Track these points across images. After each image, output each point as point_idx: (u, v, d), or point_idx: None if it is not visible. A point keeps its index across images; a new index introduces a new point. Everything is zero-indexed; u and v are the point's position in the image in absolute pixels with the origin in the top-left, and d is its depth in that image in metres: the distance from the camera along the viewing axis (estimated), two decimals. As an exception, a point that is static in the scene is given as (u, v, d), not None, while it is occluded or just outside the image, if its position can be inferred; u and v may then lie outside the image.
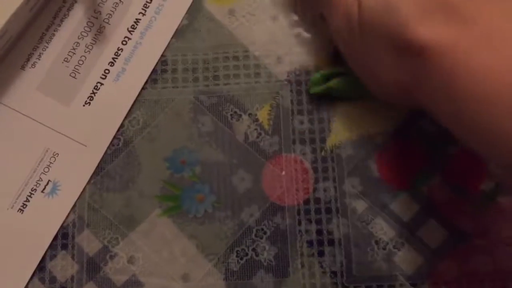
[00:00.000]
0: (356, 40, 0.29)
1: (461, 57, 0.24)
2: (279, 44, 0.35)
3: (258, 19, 0.35)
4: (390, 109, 0.34)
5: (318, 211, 0.33)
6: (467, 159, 0.33)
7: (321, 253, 0.32)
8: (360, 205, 0.33)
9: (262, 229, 0.32)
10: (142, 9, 0.35)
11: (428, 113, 0.28)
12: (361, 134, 0.34)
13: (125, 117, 0.34)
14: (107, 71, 0.35)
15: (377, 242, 0.32)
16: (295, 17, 0.35)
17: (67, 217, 0.33)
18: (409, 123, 0.34)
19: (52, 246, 0.32)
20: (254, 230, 0.32)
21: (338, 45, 0.31)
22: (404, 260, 0.32)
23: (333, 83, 0.33)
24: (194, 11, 0.35)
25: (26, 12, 0.33)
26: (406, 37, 0.25)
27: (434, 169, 0.33)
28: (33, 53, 0.35)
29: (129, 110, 0.34)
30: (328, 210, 0.33)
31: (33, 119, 0.34)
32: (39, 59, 0.35)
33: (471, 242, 0.32)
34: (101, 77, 0.34)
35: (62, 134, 0.34)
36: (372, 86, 0.31)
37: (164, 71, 0.35)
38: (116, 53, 0.35)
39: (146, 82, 0.34)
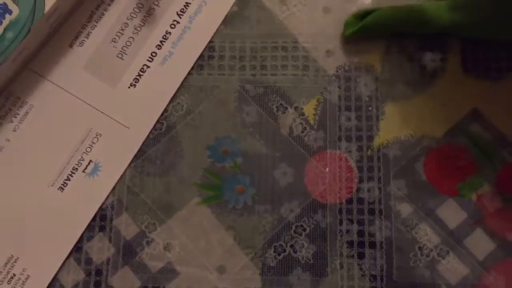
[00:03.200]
0: None
1: None
2: (330, 37, 0.31)
3: (310, 9, 0.32)
4: (442, 111, 0.30)
5: (360, 212, 0.29)
6: (521, 169, 0.29)
7: (361, 255, 0.29)
8: (405, 209, 0.29)
9: (302, 226, 0.29)
10: (193, -7, 0.32)
11: None
12: (410, 135, 0.30)
13: (169, 102, 0.31)
14: (154, 54, 0.31)
15: (420, 248, 0.28)
16: (351, 9, 0.31)
17: (106, 199, 0.30)
18: (461, 127, 0.30)
19: (89, 227, 0.29)
20: (294, 226, 0.29)
21: None
22: (448, 269, 0.28)
23: (368, 19, 0.29)
24: (245, -2, 0.32)
25: (77, -11, 0.30)
26: None
27: (485, 177, 0.29)
28: (81, 32, 0.32)
29: (174, 95, 0.31)
30: (371, 211, 0.29)
31: (78, 98, 0.31)
32: (87, 38, 0.31)
33: (521, 256, 0.28)
34: (148, 60, 0.31)
35: (106, 114, 0.31)
36: None
37: (211, 57, 0.31)
38: (164, 36, 0.31)
39: (192, 68, 0.31)
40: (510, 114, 0.29)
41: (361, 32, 0.29)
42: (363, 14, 0.29)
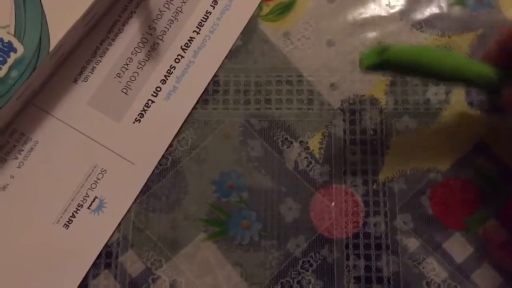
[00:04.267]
0: None
1: None
2: (334, 71, 0.31)
3: (314, 43, 0.31)
4: (447, 144, 0.30)
5: (367, 247, 0.29)
6: (528, 203, 0.29)
7: (368, 291, 0.28)
8: (412, 243, 0.29)
9: (309, 261, 0.29)
10: (197, 27, 0.32)
11: None
12: (416, 169, 0.30)
13: (174, 137, 0.30)
14: (158, 89, 0.31)
15: (428, 284, 0.28)
16: (354, 42, 0.31)
17: (111, 235, 0.29)
18: (467, 161, 0.29)
19: (95, 264, 0.29)
20: (300, 262, 0.29)
21: None
22: (457, 305, 0.28)
23: (389, 53, 0.24)
24: (249, 32, 0.32)
25: (82, 26, 0.30)
26: None
27: (491, 211, 0.29)
28: (86, 67, 0.31)
29: (179, 130, 0.30)
30: (378, 246, 0.29)
31: (83, 134, 0.31)
32: (91, 73, 0.31)
33: (529, 291, 0.28)
34: (152, 95, 0.31)
35: (111, 150, 0.30)
36: None
37: (215, 91, 0.31)
38: (169, 71, 0.31)
39: (197, 102, 0.31)
40: (515, 147, 0.29)
41: (381, 67, 0.25)
42: (383, 49, 0.25)
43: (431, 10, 0.31)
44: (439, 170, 0.29)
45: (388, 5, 0.31)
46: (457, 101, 0.30)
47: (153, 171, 0.30)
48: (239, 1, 0.32)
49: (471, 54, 0.30)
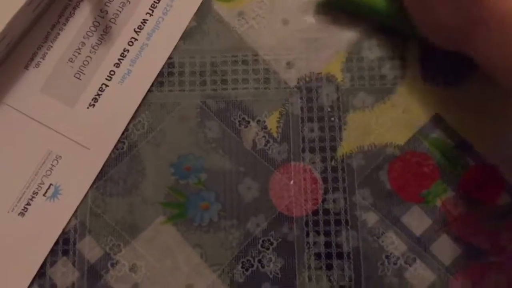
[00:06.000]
0: None
1: None
2: (289, 49, 0.31)
3: (269, 22, 0.31)
4: (403, 119, 0.30)
5: (327, 223, 0.29)
6: (483, 172, 0.29)
7: (329, 267, 0.28)
8: (371, 218, 0.29)
9: (269, 240, 0.28)
10: (150, 9, 0.31)
11: (477, 60, 0.24)
12: (373, 144, 0.29)
13: (130, 121, 0.30)
14: (112, 73, 0.30)
15: (387, 257, 0.28)
16: (309, 20, 0.31)
17: (68, 222, 0.29)
18: (423, 134, 0.29)
19: (52, 251, 0.28)
20: (260, 241, 0.28)
21: None
22: (416, 276, 0.28)
23: None
24: (203, 12, 0.31)
25: (29, 13, 0.29)
26: None
27: (448, 183, 0.29)
28: (37, 53, 0.30)
29: (134, 113, 0.30)
30: (338, 222, 0.29)
31: (36, 120, 0.30)
32: (43, 59, 0.30)
33: (486, 259, 0.28)
34: (106, 79, 0.30)
35: (65, 136, 0.30)
36: (429, 28, 0.27)
37: (171, 73, 0.30)
38: (122, 54, 0.31)
39: (152, 85, 0.30)
40: (469, 119, 0.29)
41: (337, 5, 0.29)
42: None
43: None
44: (396, 145, 0.29)
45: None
46: (411, 76, 0.30)
47: (110, 155, 0.29)
48: (193, -19, 0.31)
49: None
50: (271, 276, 0.28)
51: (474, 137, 0.29)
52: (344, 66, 0.30)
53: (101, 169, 0.29)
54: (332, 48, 0.30)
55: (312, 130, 0.29)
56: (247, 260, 0.28)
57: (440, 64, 0.30)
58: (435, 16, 0.25)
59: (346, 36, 0.30)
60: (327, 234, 0.28)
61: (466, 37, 0.24)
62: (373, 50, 0.30)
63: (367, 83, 0.30)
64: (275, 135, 0.29)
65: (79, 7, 0.31)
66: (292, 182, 0.29)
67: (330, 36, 0.30)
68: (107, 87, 0.30)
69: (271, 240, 0.28)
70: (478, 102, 0.29)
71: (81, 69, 0.30)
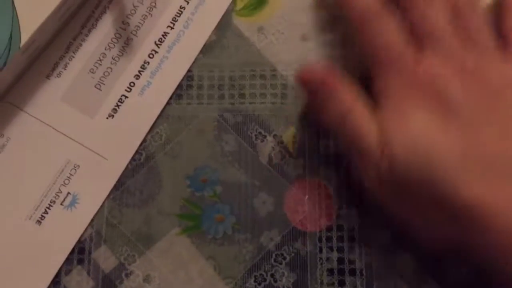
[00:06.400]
0: (388, 194, 0.24)
1: None
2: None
3: (287, 37, 0.31)
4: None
5: (340, 239, 0.29)
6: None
7: (341, 283, 0.28)
8: (384, 235, 0.29)
9: (282, 255, 0.29)
10: (171, 22, 0.32)
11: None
12: (388, 162, 0.29)
13: (148, 132, 0.30)
14: (132, 84, 0.31)
15: (401, 276, 0.28)
16: (328, 37, 0.31)
17: (84, 231, 0.29)
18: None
19: (68, 260, 0.29)
20: (274, 255, 0.29)
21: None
22: (428, 296, 0.28)
23: None
24: (223, 26, 0.32)
25: (55, 21, 0.30)
26: (454, 196, 0.21)
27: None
28: (59, 63, 0.31)
29: (153, 125, 0.30)
30: (351, 239, 0.29)
31: (56, 130, 0.30)
32: (65, 69, 0.31)
33: None
34: (126, 90, 0.31)
35: (84, 146, 0.30)
36: (415, 235, 0.25)
37: (189, 86, 0.31)
38: (142, 66, 0.31)
39: (171, 97, 0.31)
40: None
41: None
42: None
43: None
44: (411, 163, 0.29)
45: None
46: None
47: (127, 166, 0.29)
48: (213, -4, 0.32)
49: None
50: (283, 291, 0.28)
51: None
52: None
53: (118, 180, 0.29)
54: (351, 66, 0.30)
55: (328, 147, 0.29)
56: (260, 274, 0.28)
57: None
58: (416, 227, 0.24)
59: (364, 53, 0.30)
60: (340, 250, 0.28)
61: (457, 247, 0.23)
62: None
63: (384, 101, 0.30)
64: (291, 150, 0.29)
65: (101, 19, 0.31)
66: (307, 197, 0.29)
67: (348, 52, 0.31)
68: (126, 98, 0.30)
69: (284, 254, 0.28)
70: None
71: (102, 80, 0.30)
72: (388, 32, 0.24)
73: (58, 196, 0.29)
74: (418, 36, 0.24)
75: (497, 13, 0.26)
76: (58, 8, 0.29)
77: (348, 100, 0.25)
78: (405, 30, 0.25)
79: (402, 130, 0.23)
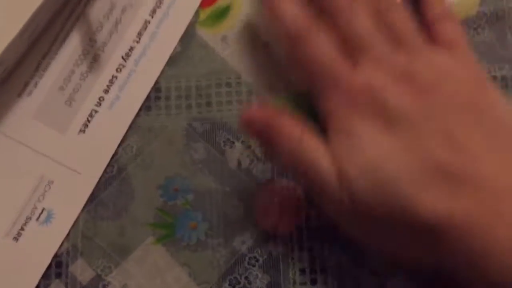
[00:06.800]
0: (353, 225, 0.24)
1: (478, 231, 0.19)
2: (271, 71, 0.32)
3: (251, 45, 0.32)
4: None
5: (310, 239, 0.29)
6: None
7: (313, 281, 0.29)
8: (353, 233, 0.29)
9: (255, 257, 0.29)
10: (137, 36, 0.32)
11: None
12: (354, 160, 0.30)
13: (119, 144, 0.31)
14: (101, 99, 0.32)
15: (372, 272, 0.29)
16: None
17: (61, 245, 0.29)
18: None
19: (46, 275, 0.29)
20: (247, 258, 0.29)
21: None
22: (398, 289, 0.28)
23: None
24: (187, 38, 0.32)
25: (23, 42, 0.31)
26: (414, 215, 0.20)
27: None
28: (29, 81, 0.32)
29: (123, 137, 0.31)
30: (321, 238, 0.29)
31: (29, 147, 0.31)
32: (35, 87, 0.32)
33: None
34: (95, 105, 0.31)
35: (57, 161, 0.31)
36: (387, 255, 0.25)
37: (157, 98, 0.32)
38: (111, 81, 0.32)
39: (140, 109, 0.31)
40: None
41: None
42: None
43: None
44: (376, 161, 0.30)
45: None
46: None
47: (100, 179, 0.30)
48: (177, 8, 0.32)
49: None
50: (258, 293, 0.28)
51: None
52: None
53: (92, 193, 0.30)
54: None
55: (294, 149, 0.30)
56: (234, 277, 0.29)
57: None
58: (386, 251, 0.24)
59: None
60: (310, 249, 0.29)
61: (432, 264, 0.22)
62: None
63: (347, 102, 0.31)
64: (259, 154, 0.30)
65: (69, 37, 0.32)
66: (276, 199, 0.29)
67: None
68: (96, 113, 0.31)
69: (257, 257, 0.29)
70: None
71: (72, 96, 0.31)
72: (320, 47, 0.24)
73: (34, 212, 0.30)
74: (349, 46, 0.24)
75: (417, 8, 0.26)
76: (24, 29, 0.29)
77: (295, 134, 0.23)
78: (336, 41, 0.24)
79: (354, 155, 0.22)
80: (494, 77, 0.30)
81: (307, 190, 0.26)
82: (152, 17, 0.32)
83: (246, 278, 0.29)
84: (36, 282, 0.29)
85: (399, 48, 0.24)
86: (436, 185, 0.20)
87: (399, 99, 0.22)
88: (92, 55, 0.32)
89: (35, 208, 0.30)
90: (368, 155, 0.22)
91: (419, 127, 0.22)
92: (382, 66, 0.23)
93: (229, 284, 0.28)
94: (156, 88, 0.31)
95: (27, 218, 0.30)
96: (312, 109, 0.26)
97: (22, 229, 0.29)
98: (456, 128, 0.21)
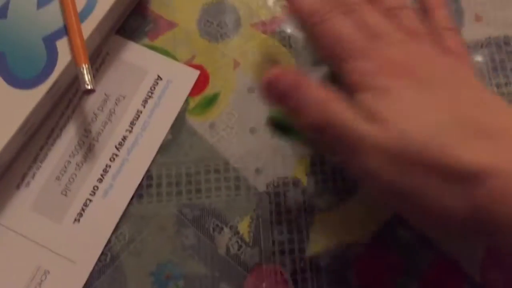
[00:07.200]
0: (394, 171, 0.22)
1: None
2: (258, 156, 0.33)
3: (237, 132, 0.34)
4: (366, 217, 0.31)
5: (299, 324, 0.30)
6: (445, 267, 0.30)
7: None
8: (340, 317, 0.30)
9: None
10: (129, 126, 0.34)
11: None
12: (339, 243, 0.31)
13: (112, 233, 0.32)
14: (96, 188, 0.33)
15: None
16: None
17: (56, 335, 0.30)
18: (386, 232, 0.31)
19: None
20: None
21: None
22: None
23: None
24: (177, 126, 0.34)
25: (21, 136, 0.32)
26: (458, 163, 0.21)
27: (413, 278, 0.30)
28: (27, 173, 0.33)
29: (116, 226, 0.32)
30: (309, 323, 0.30)
31: (26, 237, 0.32)
32: (33, 178, 0.33)
33: None
34: (90, 194, 0.33)
35: (52, 251, 0.32)
36: (423, 220, 0.24)
37: (149, 186, 0.33)
38: (105, 170, 0.33)
39: (132, 197, 0.33)
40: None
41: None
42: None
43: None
44: (361, 243, 0.31)
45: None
46: (372, 175, 0.32)
47: (94, 268, 0.31)
48: (168, 98, 0.34)
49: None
50: None
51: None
52: (309, 170, 0.32)
53: (86, 282, 0.31)
54: (297, 153, 0.33)
55: (281, 233, 0.31)
56: None
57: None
58: (424, 209, 0.23)
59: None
60: (300, 335, 0.29)
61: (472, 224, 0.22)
62: (334, 153, 0.32)
63: (331, 185, 0.32)
64: (247, 239, 0.31)
65: (65, 128, 0.34)
66: (264, 284, 0.30)
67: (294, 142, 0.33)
68: (91, 202, 0.32)
69: None
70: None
71: (68, 186, 0.33)
72: (342, 23, 0.25)
73: (30, 302, 0.30)
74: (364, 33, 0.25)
75: None
76: (22, 126, 0.31)
77: (322, 94, 0.23)
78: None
79: (396, 109, 0.22)
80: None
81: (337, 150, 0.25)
82: (144, 106, 0.34)
83: None
84: None
85: (412, 37, 0.25)
86: (477, 138, 0.21)
87: (432, 66, 0.24)
88: (87, 146, 0.33)
89: (31, 298, 0.31)
90: (411, 108, 0.22)
91: (451, 90, 0.23)
92: (400, 46, 0.24)
93: None
94: (148, 176, 0.33)
95: (23, 309, 0.30)
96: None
97: (18, 320, 0.30)
98: (477, 93, 0.23)
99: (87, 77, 0.31)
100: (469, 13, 0.36)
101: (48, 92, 0.32)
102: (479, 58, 0.35)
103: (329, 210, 0.31)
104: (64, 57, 0.32)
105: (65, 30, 0.33)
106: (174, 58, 0.35)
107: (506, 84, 0.34)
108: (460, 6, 0.36)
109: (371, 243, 0.31)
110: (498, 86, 0.34)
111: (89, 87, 0.30)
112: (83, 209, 0.32)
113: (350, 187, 0.32)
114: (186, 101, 0.34)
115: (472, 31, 0.35)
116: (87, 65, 0.31)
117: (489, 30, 0.35)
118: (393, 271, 0.30)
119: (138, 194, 0.32)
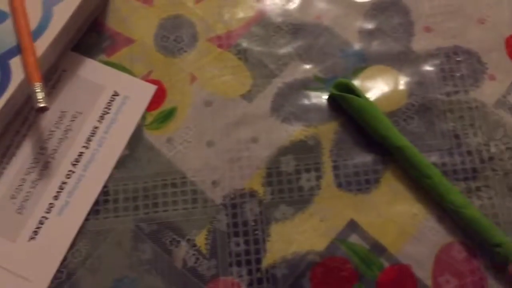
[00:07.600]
0: None
1: None
2: (214, 169, 0.33)
3: (194, 145, 0.34)
4: (321, 226, 0.32)
5: (256, 335, 0.30)
6: (397, 272, 0.31)
7: None
8: (297, 327, 0.30)
9: None
10: (86, 142, 0.34)
11: None
12: (295, 253, 0.32)
13: (68, 250, 0.32)
14: (51, 205, 0.33)
15: None
16: (231, 141, 0.34)
17: None
18: (340, 239, 0.32)
19: None
20: None
21: None
22: None
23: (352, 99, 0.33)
24: (135, 141, 0.34)
25: (-26, 154, 0.32)
26: None
27: (367, 285, 0.31)
28: (-18, 192, 0.33)
29: (72, 242, 0.32)
30: (266, 334, 0.30)
31: (-19, 257, 0.32)
32: (-13, 197, 0.33)
33: None
34: (45, 212, 0.33)
35: (7, 270, 0.31)
36: None
37: (106, 201, 0.33)
38: (60, 187, 0.33)
39: (88, 213, 0.33)
40: (381, 222, 0.31)
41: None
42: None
43: (298, 104, 0.34)
44: (316, 252, 0.31)
45: (258, 104, 0.34)
46: (327, 185, 0.32)
47: (49, 285, 0.31)
48: (125, 114, 0.34)
49: (337, 141, 0.33)
50: None
51: (387, 239, 0.31)
52: (265, 181, 0.33)
53: (42, 300, 0.30)
54: (253, 165, 0.33)
55: (238, 245, 0.31)
56: None
57: (351, 172, 0.32)
58: None
59: (265, 153, 0.33)
60: None
61: None
62: (290, 164, 0.33)
63: (287, 196, 0.32)
64: (204, 251, 0.31)
65: (20, 146, 0.34)
66: (221, 297, 0.30)
67: (250, 154, 0.33)
68: (46, 220, 0.32)
69: None
70: (387, 205, 0.32)
71: (23, 205, 0.32)
72: None
73: (-17, 324, 0.30)
74: None
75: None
76: (-25, 145, 0.31)
77: None
78: None
79: None
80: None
81: None
82: (101, 122, 0.34)
83: None
84: None
85: None
86: None
87: None
88: (43, 163, 0.33)
89: (-15, 319, 0.30)
90: None
91: None
92: None
93: None
94: (104, 191, 0.33)
95: (-24, 331, 0.30)
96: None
97: None
98: None
99: (40, 95, 0.31)
100: (420, 25, 0.37)
101: (1, 111, 0.32)
102: (429, 67, 0.36)
103: (285, 220, 0.32)
104: (17, 76, 0.32)
105: (18, 49, 0.33)
106: (131, 73, 0.35)
107: (455, 92, 0.35)
108: (410, 18, 0.37)
109: (326, 252, 0.31)
110: (447, 94, 0.35)
111: (42, 105, 0.30)
112: (38, 227, 0.32)
113: (306, 198, 0.32)
114: (144, 116, 0.34)
115: (422, 42, 0.36)
116: (40, 83, 0.31)
117: (439, 41, 0.36)
118: (347, 278, 0.30)
119: (95, 210, 0.32)
